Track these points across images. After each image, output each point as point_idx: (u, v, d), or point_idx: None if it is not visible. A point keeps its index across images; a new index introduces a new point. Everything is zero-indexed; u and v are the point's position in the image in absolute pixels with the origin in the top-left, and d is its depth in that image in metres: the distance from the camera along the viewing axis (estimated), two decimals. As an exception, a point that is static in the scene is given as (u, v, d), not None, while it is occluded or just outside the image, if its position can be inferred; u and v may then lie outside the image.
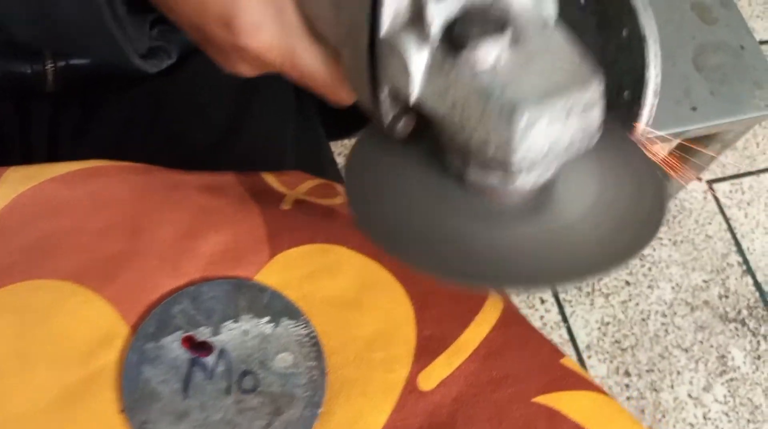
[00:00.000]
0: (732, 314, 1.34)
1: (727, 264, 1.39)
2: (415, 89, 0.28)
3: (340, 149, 1.41)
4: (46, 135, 0.62)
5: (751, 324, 1.34)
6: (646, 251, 1.37)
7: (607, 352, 1.29)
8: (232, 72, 0.36)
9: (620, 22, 0.35)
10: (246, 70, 0.35)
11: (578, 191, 0.32)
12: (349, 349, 0.38)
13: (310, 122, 0.69)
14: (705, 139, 1.12)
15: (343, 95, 0.34)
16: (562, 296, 1.32)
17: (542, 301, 1.31)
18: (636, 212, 0.31)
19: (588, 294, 1.33)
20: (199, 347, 0.36)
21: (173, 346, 0.36)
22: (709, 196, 1.45)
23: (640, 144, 0.35)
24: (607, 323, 1.31)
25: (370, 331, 0.38)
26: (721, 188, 1.46)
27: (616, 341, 1.30)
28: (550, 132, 0.26)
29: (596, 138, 0.28)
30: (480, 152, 0.28)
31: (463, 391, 0.38)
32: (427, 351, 0.38)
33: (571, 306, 1.32)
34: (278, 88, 0.64)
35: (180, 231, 0.38)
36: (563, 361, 0.40)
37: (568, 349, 1.28)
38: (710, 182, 1.46)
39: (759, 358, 1.31)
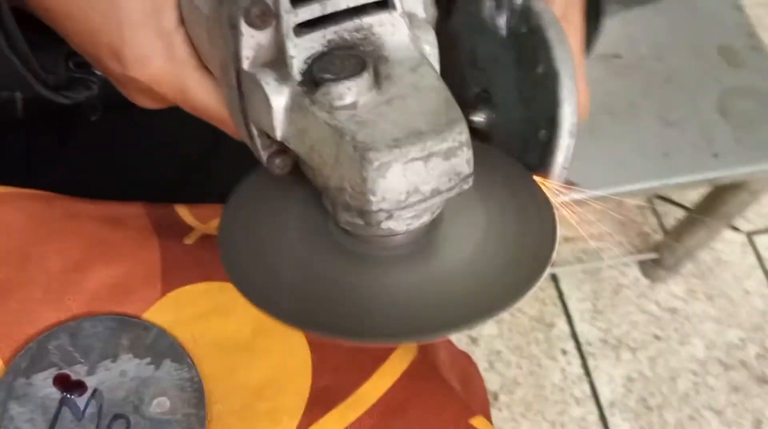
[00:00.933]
0: (771, 376, 1.26)
1: (767, 321, 1.31)
2: (278, 127, 0.26)
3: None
4: (22, 162, 0.62)
5: (792, 388, 1.25)
6: (678, 305, 1.30)
7: (632, 411, 1.22)
8: (135, 103, 0.34)
9: (536, 57, 0.32)
10: (145, 102, 0.34)
11: (464, 234, 0.29)
12: (235, 398, 0.35)
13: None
14: (732, 188, 1.06)
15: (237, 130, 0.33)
16: (585, 348, 1.26)
17: (564, 353, 1.26)
18: (523, 253, 0.28)
19: (614, 347, 1.27)
20: (72, 386, 0.34)
21: (44, 383, 0.34)
22: (749, 249, 1.37)
23: (538, 183, 0.32)
24: (633, 379, 1.24)
25: (260, 379, 0.35)
26: (762, 241, 1.38)
27: (642, 399, 1.23)
28: (407, 178, 0.25)
29: (469, 182, 0.27)
30: (339, 196, 0.26)
31: (356, 450, 0.34)
32: (320, 403, 0.35)
33: (595, 359, 1.25)
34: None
35: (69, 262, 0.36)
36: (473, 421, 0.36)
37: (590, 405, 1.22)
38: (751, 234, 1.39)
39: (799, 425, 1.22)
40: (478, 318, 0.26)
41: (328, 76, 0.25)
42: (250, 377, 0.35)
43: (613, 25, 1.08)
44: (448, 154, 0.25)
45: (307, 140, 0.26)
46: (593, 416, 1.21)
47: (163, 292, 0.37)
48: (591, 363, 1.25)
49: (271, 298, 0.27)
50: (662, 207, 1.39)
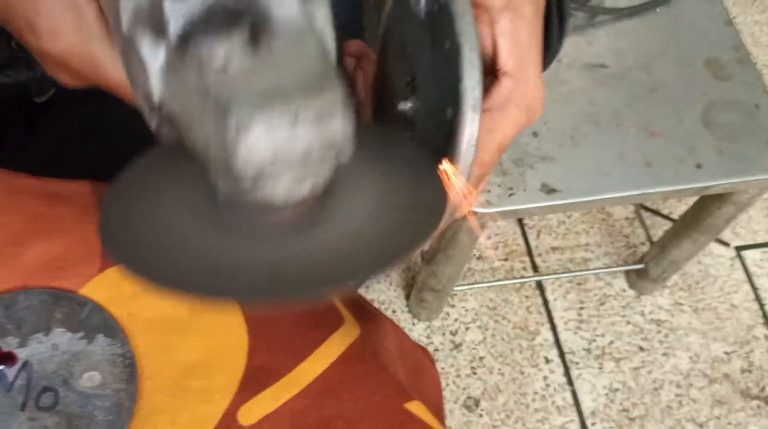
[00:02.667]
0: (755, 391, 1.25)
1: (753, 336, 1.30)
2: (155, 90, 0.26)
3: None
4: None
5: (776, 403, 1.24)
6: (664, 317, 1.30)
7: (614, 421, 1.21)
8: (57, 80, 0.35)
9: (443, 32, 0.31)
10: (63, 78, 0.34)
11: (353, 209, 0.29)
12: (166, 375, 0.35)
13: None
14: (717, 201, 1.06)
15: None
16: (569, 357, 1.26)
17: (547, 361, 1.25)
18: (407, 226, 0.28)
19: (597, 357, 1.26)
20: (2, 358, 0.34)
21: (-26, 355, 0.34)
22: (737, 264, 1.36)
23: (437, 169, 0.31)
24: (616, 390, 1.24)
25: (194, 357, 0.35)
26: (751, 256, 1.38)
27: (624, 410, 1.22)
28: (273, 138, 0.24)
29: (348, 150, 0.26)
30: (206, 158, 0.25)
31: (284, 431, 0.34)
32: (253, 383, 0.35)
33: (578, 368, 1.25)
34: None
35: (7, 236, 0.36)
36: (408, 405, 0.36)
37: (571, 414, 1.21)
38: (739, 249, 1.38)
39: (782, 440, 1.21)
40: (353, 277, 0.26)
41: (199, 31, 0.25)
42: (183, 355, 0.35)
43: (600, 36, 1.09)
44: (321, 117, 0.25)
45: (180, 100, 0.26)
46: (574, 425, 1.20)
47: (101, 269, 0.37)
48: (574, 372, 1.25)
49: (141, 261, 0.27)
50: (650, 219, 1.39)
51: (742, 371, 1.27)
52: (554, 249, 1.36)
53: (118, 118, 0.64)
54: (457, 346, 1.26)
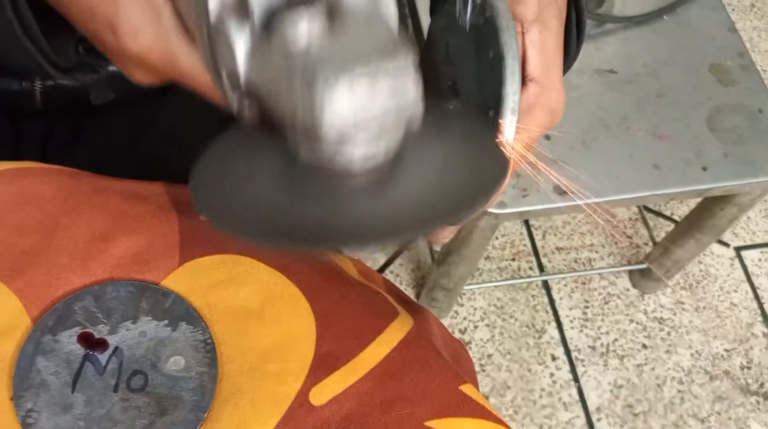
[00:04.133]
0: (754, 387, 1.29)
1: (752, 334, 1.34)
2: (241, 69, 0.29)
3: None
4: (37, 152, 0.65)
5: (775, 399, 1.28)
6: (667, 315, 1.34)
7: (618, 416, 1.24)
8: (131, 79, 0.37)
9: (488, 43, 0.35)
10: (139, 76, 0.36)
11: (423, 167, 0.31)
12: (245, 359, 0.38)
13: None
14: (720, 202, 1.10)
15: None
16: (574, 355, 1.29)
17: (553, 358, 1.29)
18: (472, 186, 0.31)
19: (602, 354, 1.30)
20: (94, 344, 0.37)
21: (69, 340, 0.37)
22: (737, 263, 1.40)
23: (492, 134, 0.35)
24: (621, 386, 1.27)
25: (268, 343, 0.39)
26: (750, 256, 1.41)
27: (629, 405, 1.26)
28: (354, 98, 0.27)
29: (418, 115, 0.29)
30: (293, 124, 0.28)
31: (354, 410, 0.38)
32: (323, 366, 0.38)
33: (584, 365, 1.28)
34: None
35: (95, 232, 0.39)
36: (463, 387, 0.39)
37: (577, 410, 1.24)
38: (739, 249, 1.42)
39: (781, 435, 1.25)
40: (428, 225, 0.29)
41: (283, 7, 0.27)
42: (259, 341, 0.38)
43: (609, 43, 1.12)
44: (394, 82, 0.27)
45: (268, 75, 0.29)
46: (580, 420, 1.23)
47: (181, 263, 0.40)
48: (579, 369, 1.28)
49: (236, 222, 0.29)
50: (653, 221, 1.42)
51: (742, 368, 1.30)
52: (560, 249, 1.39)
53: (161, 121, 0.67)
54: (467, 344, 1.29)
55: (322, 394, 0.38)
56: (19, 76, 0.58)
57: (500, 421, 0.38)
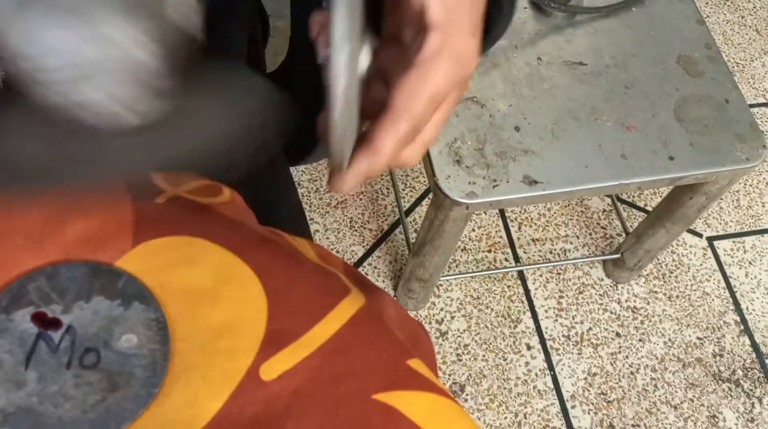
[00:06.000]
0: (726, 374, 1.31)
1: (724, 322, 1.36)
2: None
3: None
4: None
5: (746, 385, 1.30)
6: (640, 304, 1.36)
7: (593, 404, 1.26)
8: None
9: None
10: None
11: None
12: (197, 337, 0.39)
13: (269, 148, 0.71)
14: (689, 191, 1.11)
15: None
16: (549, 344, 1.31)
17: (528, 348, 1.30)
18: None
19: (576, 343, 1.31)
20: (48, 323, 0.38)
21: (23, 320, 0.38)
22: (709, 253, 1.42)
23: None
24: (594, 374, 1.29)
25: (220, 321, 0.40)
26: (722, 246, 1.44)
27: (603, 393, 1.27)
28: (60, 38, 0.26)
29: (164, 85, 0.29)
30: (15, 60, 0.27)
31: (303, 384, 0.39)
32: (273, 343, 0.39)
33: (558, 354, 1.30)
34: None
35: (50, 215, 0.40)
36: (410, 362, 0.40)
37: (552, 398, 1.26)
38: (711, 239, 1.44)
39: (752, 420, 1.27)
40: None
41: None
42: (211, 319, 0.39)
43: (579, 35, 1.14)
44: (108, 27, 0.26)
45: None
46: (555, 408, 1.25)
47: (134, 244, 0.41)
48: (554, 358, 1.30)
49: None
50: (626, 211, 1.44)
51: (714, 355, 1.32)
52: (535, 240, 1.41)
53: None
54: (443, 334, 1.31)
55: (272, 369, 0.39)
56: None
57: (446, 394, 0.40)
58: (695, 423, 1.26)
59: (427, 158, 0.99)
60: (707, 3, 1.73)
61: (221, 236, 0.42)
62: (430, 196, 1.41)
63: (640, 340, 1.33)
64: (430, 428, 0.38)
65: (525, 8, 1.10)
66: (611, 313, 1.35)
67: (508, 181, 0.97)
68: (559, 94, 1.05)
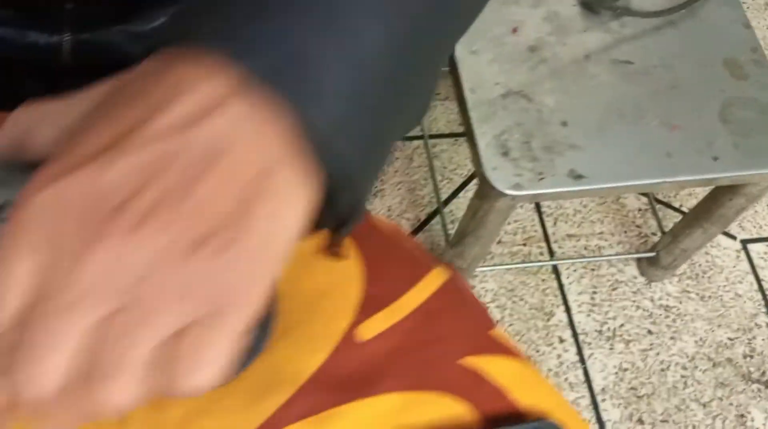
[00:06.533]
0: (756, 375, 1.33)
1: (755, 324, 1.38)
2: None
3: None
4: None
5: (775, 386, 1.32)
6: (672, 303, 1.38)
7: (623, 398, 1.29)
8: None
9: None
10: None
11: None
12: (300, 298, 0.42)
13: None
14: (729, 192, 1.13)
15: None
16: (581, 338, 1.33)
17: (561, 341, 1.33)
18: None
19: (608, 338, 1.34)
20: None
21: None
22: (743, 256, 1.44)
23: None
24: (626, 369, 1.31)
25: (320, 284, 0.43)
26: (756, 249, 1.45)
27: (633, 388, 1.30)
28: None
29: None
30: None
31: (396, 346, 0.42)
32: (370, 306, 0.42)
33: (590, 348, 1.33)
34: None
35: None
36: (492, 332, 0.43)
37: (582, 391, 1.29)
38: (745, 242, 1.46)
39: (780, 421, 1.29)
40: None
41: None
42: (312, 283, 0.43)
43: (627, 35, 1.16)
44: None
45: None
46: (585, 401, 1.28)
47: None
48: (586, 352, 1.32)
49: None
50: (662, 211, 1.46)
51: (744, 356, 1.34)
52: (570, 236, 1.43)
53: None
54: (477, 324, 1.34)
55: (368, 331, 0.42)
56: (48, 29, 0.57)
57: (528, 361, 0.43)
58: (723, 421, 1.28)
59: (474, 149, 1.02)
60: (748, 7, 1.74)
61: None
62: (468, 187, 1.44)
63: (671, 337, 1.35)
64: (513, 391, 0.41)
65: (574, 5, 1.13)
66: (644, 310, 1.37)
67: (554, 175, 1.00)
68: (605, 92, 1.07)
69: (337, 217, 0.29)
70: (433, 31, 0.32)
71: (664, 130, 1.04)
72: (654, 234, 1.44)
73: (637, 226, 1.46)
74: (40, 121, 0.31)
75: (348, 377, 0.41)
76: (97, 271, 0.22)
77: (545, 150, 1.02)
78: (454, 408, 0.41)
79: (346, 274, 0.43)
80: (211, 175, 0.23)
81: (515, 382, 0.42)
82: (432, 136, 1.49)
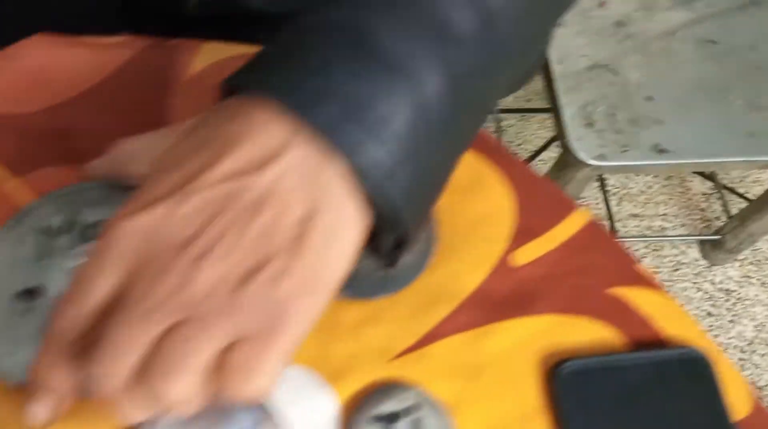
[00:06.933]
0: (813, 362, 1.34)
1: (816, 313, 1.39)
2: None
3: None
4: None
5: (832, 374, 1.33)
6: (733, 287, 1.39)
7: (680, 377, 1.30)
8: None
9: None
10: None
11: None
12: (458, 225, 0.45)
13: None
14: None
15: None
16: (641, 316, 1.35)
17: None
18: None
19: (668, 318, 1.35)
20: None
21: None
22: (807, 244, 1.44)
23: None
24: (684, 349, 1.33)
25: (476, 214, 0.46)
26: (819, 238, 1.46)
27: (690, 368, 1.31)
28: None
29: None
30: None
31: (547, 273, 0.44)
32: (522, 236, 0.45)
33: (650, 326, 1.34)
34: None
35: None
36: (635, 266, 0.46)
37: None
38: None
39: (836, 409, 1.30)
40: None
41: None
42: (469, 212, 0.45)
43: (712, 13, 1.17)
44: None
45: None
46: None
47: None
48: (646, 329, 1.34)
49: None
50: (728, 197, 1.47)
51: (803, 343, 1.35)
52: (634, 216, 1.44)
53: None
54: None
55: (521, 257, 0.45)
56: None
57: (670, 297, 0.45)
58: (779, 405, 1.29)
59: (558, 119, 1.04)
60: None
61: (475, 144, 0.47)
62: (538, 158, 1.46)
63: (730, 321, 1.36)
64: (658, 321, 0.44)
65: (661, -16, 1.14)
66: (704, 292, 1.38)
67: (638, 147, 1.02)
68: (690, 69, 1.08)
69: (388, 247, 0.33)
70: (489, 74, 0.34)
71: (747, 110, 1.05)
72: (717, 218, 1.45)
73: (701, 210, 1.46)
74: (137, 151, 0.39)
75: (504, 297, 0.43)
76: (168, 290, 0.27)
77: (630, 123, 1.04)
78: (603, 332, 0.43)
79: (501, 206, 0.46)
80: (267, 213, 0.28)
81: (659, 313, 0.44)
82: (501, 111, 1.51)
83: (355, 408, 0.39)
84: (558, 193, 0.47)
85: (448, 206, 0.45)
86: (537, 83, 1.50)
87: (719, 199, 1.45)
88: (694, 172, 1.53)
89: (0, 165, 0.43)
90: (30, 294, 0.38)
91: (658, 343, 0.43)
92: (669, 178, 1.50)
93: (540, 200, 0.47)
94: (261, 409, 0.37)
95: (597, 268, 0.45)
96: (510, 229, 0.45)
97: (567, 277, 0.45)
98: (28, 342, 0.36)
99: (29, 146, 0.43)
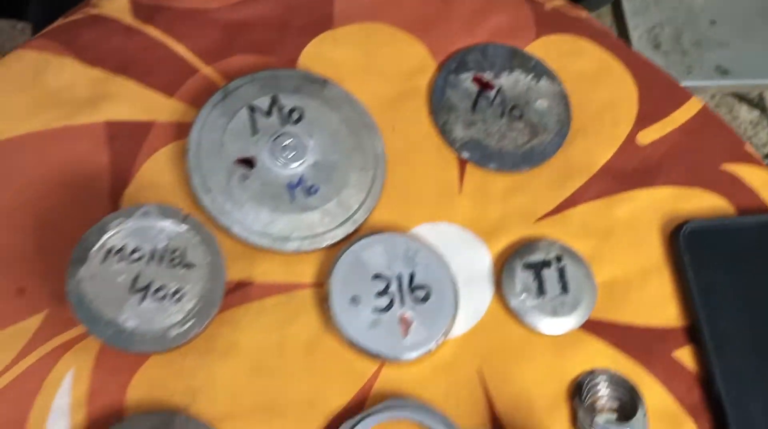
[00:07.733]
0: None
1: None
2: None
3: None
4: None
5: None
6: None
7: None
8: None
9: None
10: None
11: None
12: (588, 108, 0.51)
13: None
14: None
15: None
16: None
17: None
18: None
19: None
20: (484, 85, 0.51)
21: (467, 80, 0.51)
22: None
23: None
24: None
25: (603, 99, 0.52)
26: None
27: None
28: None
29: None
30: None
31: (668, 151, 0.51)
32: (645, 119, 0.52)
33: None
34: None
35: (475, 6, 0.53)
36: (745, 146, 0.52)
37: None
38: None
39: None
40: None
41: None
42: (596, 97, 0.52)
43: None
44: None
45: None
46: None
47: (537, 36, 0.53)
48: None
49: None
50: (775, 123, 1.51)
51: None
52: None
53: None
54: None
55: (646, 137, 0.51)
56: None
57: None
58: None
59: (626, 41, 1.08)
60: None
61: (597, 38, 0.53)
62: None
63: None
64: (762, 193, 0.50)
65: None
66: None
67: (701, 68, 1.07)
68: (752, -5, 1.12)
69: None
70: None
71: (807, 33, 1.09)
72: (764, 145, 1.50)
73: (748, 137, 1.51)
74: None
75: (632, 170, 0.50)
76: None
77: (695, 45, 1.08)
78: (717, 202, 0.50)
79: (626, 92, 0.52)
80: None
81: (766, 187, 0.51)
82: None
83: (508, 257, 0.46)
84: (674, 83, 0.53)
85: (581, 93, 0.52)
86: (605, 7, 1.54)
87: (767, 127, 1.49)
88: (742, 100, 1.57)
89: (193, 55, 0.49)
90: (246, 163, 0.44)
91: (764, 210, 0.50)
92: (717, 105, 1.55)
93: (659, 89, 0.53)
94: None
95: (712, 147, 0.51)
96: (634, 113, 0.52)
97: (685, 154, 0.51)
98: (247, 205, 0.43)
99: (216, 37, 0.50)
